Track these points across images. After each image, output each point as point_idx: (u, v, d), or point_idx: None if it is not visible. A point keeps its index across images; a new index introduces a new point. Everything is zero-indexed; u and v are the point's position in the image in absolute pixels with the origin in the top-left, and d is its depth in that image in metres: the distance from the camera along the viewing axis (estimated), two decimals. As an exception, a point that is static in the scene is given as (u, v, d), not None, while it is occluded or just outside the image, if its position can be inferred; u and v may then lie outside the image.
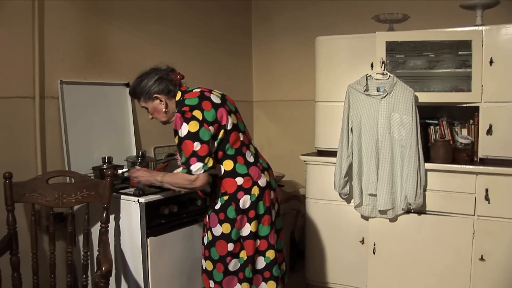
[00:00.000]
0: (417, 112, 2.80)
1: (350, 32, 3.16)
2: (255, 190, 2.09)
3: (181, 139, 1.99)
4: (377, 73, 2.94)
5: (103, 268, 1.96)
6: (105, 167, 2.59)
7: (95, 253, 2.44)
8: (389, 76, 2.88)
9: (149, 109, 2.20)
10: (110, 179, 2.34)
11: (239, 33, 4.22)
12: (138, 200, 2.33)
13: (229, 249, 2.07)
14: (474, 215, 2.72)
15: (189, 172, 1.99)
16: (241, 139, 2.14)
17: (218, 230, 2.08)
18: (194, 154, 1.97)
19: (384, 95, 2.85)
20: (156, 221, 2.38)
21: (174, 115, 2.09)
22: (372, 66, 3.00)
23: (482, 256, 2.70)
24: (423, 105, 2.91)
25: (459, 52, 2.93)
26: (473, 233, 2.72)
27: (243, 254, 2.10)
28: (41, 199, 2.31)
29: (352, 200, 2.99)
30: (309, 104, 3.55)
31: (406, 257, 2.90)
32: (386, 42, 2.93)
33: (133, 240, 2.38)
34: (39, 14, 2.58)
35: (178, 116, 2.00)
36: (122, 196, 2.42)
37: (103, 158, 2.66)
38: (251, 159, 2.15)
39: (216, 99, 2.10)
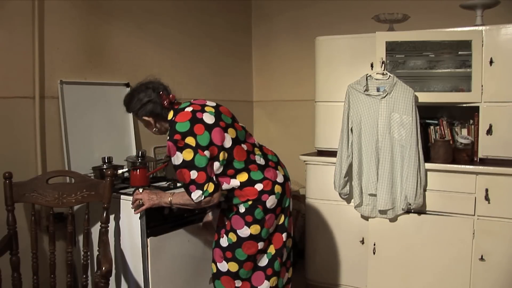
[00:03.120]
0: (417, 112, 2.80)
1: (350, 32, 3.16)
2: (278, 189, 2.09)
3: (177, 167, 1.97)
4: (377, 73, 2.94)
5: (103, 268, 1.96)
6: (105, 167, 2.59)
7: (95, 253, 2.43)
8: (389, 76, 2.88)
9: (143, 123, 2.20)
10: (110, 179, 2.34)
11: (239, 33, 4.22)
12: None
13: (259, 248, 2.07)
14: (474, 215, 2.72)
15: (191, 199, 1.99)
16: (245, 149, 2.09)
17: (245, 231, 2.05)
18: (193, 182, 1.94)
19: (384, 95, 2.85)
20: (156, 221, 2.38)
21: (166, 129, 2.10)
22: (372, 66, 3.00)
23: (482, 256, 2.70)
24: (423, 105, 2.91)
25: (459, 52, 2.93)
26: (473, 233, 2.72)
27: (271, 249, 2.12)
28: (41, 199, 2.31)
29: (352, 200, 2.99)
30: (309, 104, 3.55)
31: (406, 257, 2.90)
32: (386, 42, 2.93)
33: (133, 240, 2.37)
34: (39, 14, 2.58)
35: (170, 145, 1.96)
36: (122, 196, 2.42)
37: (103, 158, 2.66)
38: (261, 161, 2.12)
39: (209, 119, 2.00)
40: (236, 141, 2.05)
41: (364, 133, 2.92)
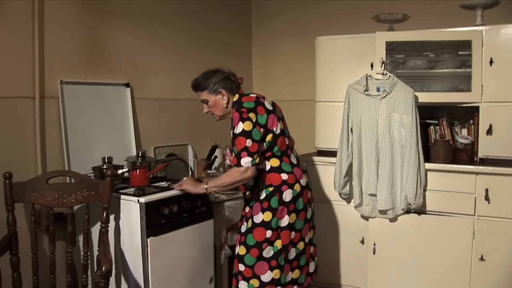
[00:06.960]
0: (417, 112, 2.80)
1: (350, 32, 3.16)
2: (297, 187, 2.31)
3: (236, 135, 2.23)
4: (377, 73, 2.94)
5: (103, 268, 1.97)
6: (105, 167, 2.59)
7: (95, 253, 2.43)
8: (389, 76, 2.88)
9: (209, 102, 2.38)
10: (110, 179, 2.34)
11: (239, 33, 4.22)
12: (138, 200, 2.34)
13: (266, 236, 2.25)
14: (474, 215, 2.72)
15: (239, 165, 2.21)
16: (287, 143, 2.39)
17: (259, 217, 2.26)
18: (246, 149, 2.20)
19: (384, 95, 2.85)
20: (156, 221, 2.38)
21: (229, 112, 2.39)
22: (372, 66, 3.00)
23: (482, 256, 2.70)
24: (423, 105, 2.91)
25: (459, 52, 2.93)
26: (473, 233, 2.72)
27: (278, 243, 2.27)
28: (41, 199, 2.31)
29: (352, 200, 2.99)
30: (309, 104, 3.55)
31: (406, 257, 2.90)
32: (386, 42, 2.93)
33: (133, 240, 2.37)
34: (39, 14, 2.58)
35: (236, 115, 2.25)
36: (122, 196, 2.42)
37: (103, 158, 2.66)
38: (294, 160, 2.39)
39: (268, 106, 2.34)
40: (282, 133, 2.36)
41: (364, 133, 2.92)
